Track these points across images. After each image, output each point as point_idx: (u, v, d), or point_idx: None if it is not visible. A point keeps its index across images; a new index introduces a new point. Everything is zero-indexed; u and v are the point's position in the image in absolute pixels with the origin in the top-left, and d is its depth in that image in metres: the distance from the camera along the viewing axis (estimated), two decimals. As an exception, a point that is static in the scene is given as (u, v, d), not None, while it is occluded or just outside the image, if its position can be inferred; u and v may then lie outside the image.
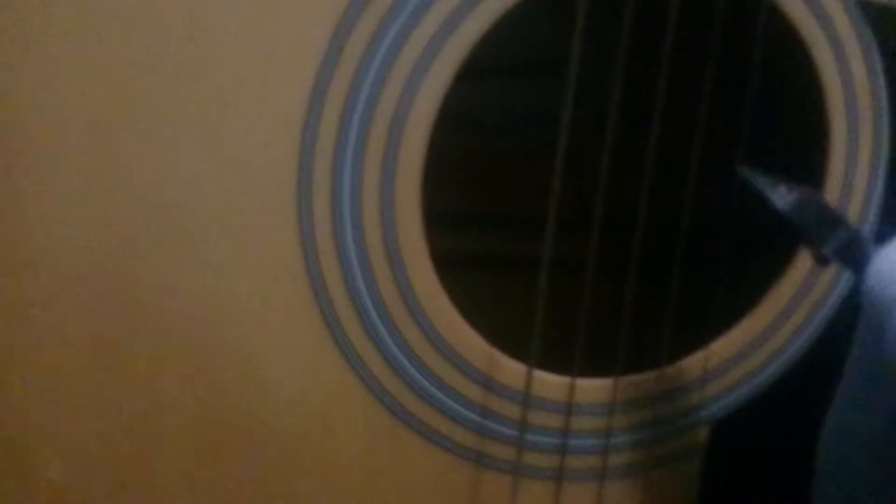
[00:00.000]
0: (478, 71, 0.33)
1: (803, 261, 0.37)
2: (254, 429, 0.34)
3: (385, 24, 0.31)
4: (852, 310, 0.31)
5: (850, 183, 0.36)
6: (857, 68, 0.35)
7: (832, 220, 0.32)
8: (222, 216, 0.32)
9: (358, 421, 0.34)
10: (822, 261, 0.32)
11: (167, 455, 0.34)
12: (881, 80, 0.36)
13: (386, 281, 0.33)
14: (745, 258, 0.38)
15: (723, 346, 0.37)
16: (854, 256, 0.31)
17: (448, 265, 0.34)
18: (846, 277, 0.38)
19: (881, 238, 0.32)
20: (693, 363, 0.37)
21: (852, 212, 0.36)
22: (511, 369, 0.35)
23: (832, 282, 0.38)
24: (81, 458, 0.33)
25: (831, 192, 0.36)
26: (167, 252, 0.32)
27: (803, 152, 0.37)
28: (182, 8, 0.30)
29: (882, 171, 0.36)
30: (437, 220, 0.34)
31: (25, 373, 0.32)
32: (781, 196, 0.32)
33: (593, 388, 0.36)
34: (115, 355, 0.32)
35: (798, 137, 0.38)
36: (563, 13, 0.35)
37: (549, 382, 0.36)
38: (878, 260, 0.30)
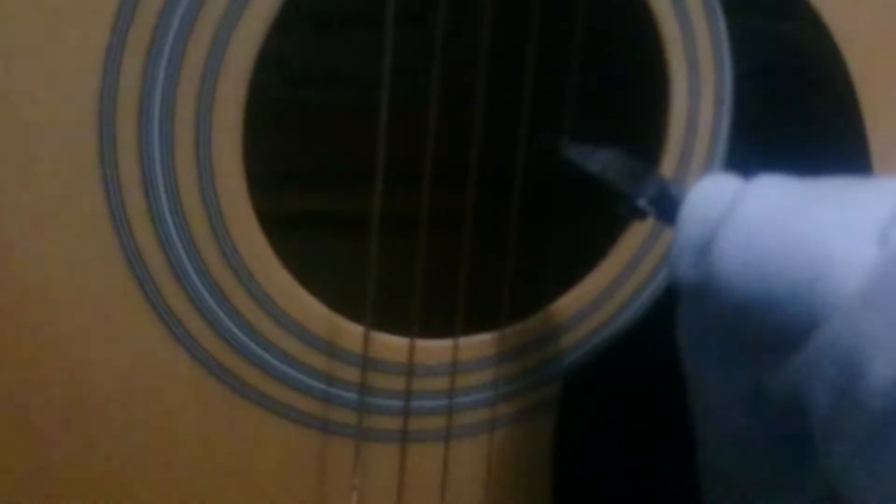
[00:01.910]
0: (296, 21, 0.31)
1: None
2: (78, 413, 0.32)
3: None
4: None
5: (693, 121, 0.36)
6: (698, 22, 0.35)
7: (642, 173, 0.32)
8: (19, 188, 0.30)
9: (192, 397, 0.33)
10: (639, 214, 0.32)
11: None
12: (723, 36, 0.36)
13: (210, 250, 0.32)
14: (586, 212, 0.38)
15: (570, 301, 0.37)
16: (666, 206, 0.31)
17: (276, 227, 0.33)
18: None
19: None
20: (537, 321, 0.37)
21: (698, 154, 0.37)
22: (352, 333, 0.35)
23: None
24: None
25: (675, 136, 0.36)
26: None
27: (643, 95, 0.37)
28: None
29: (727, 111, 0.36)
30: (262, 181, 0.33)
31: None
32: (593, 160, 0.33)
33: (434, 349, 0.36)
34: None
35: (637, 80, 0.37)
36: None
37: (389, 344, 0.35)
38: (691, 195, 0.30)
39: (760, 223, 0.28)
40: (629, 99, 0.39)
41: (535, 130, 0.35)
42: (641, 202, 0.32)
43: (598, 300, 0.37)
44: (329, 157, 0.48)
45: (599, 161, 0.33)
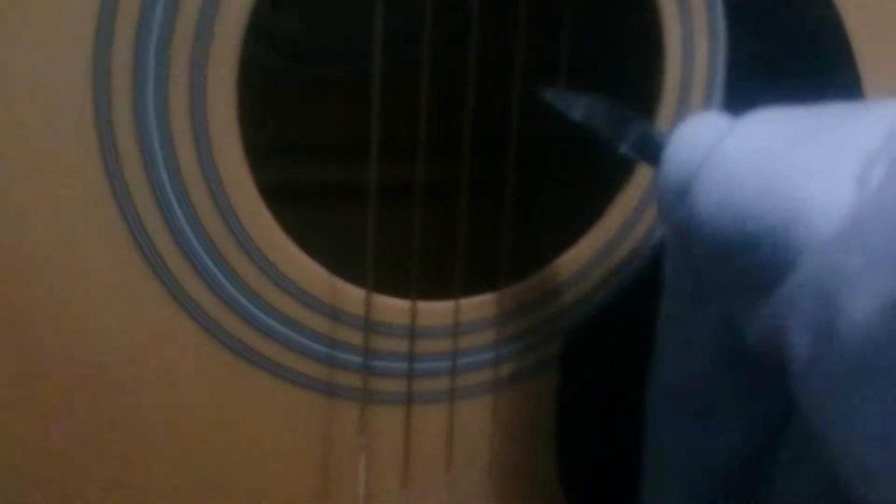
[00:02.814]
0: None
1: (646, 169, 0.37)
2: (85, 382, 0.33)
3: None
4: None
5: (689, 59, 0.36)
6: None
7: (624, 119, 0.32)
8: (17, 159, 0.30)
9: (199, 365, 0.34)
10: (621, 154, 0.32)
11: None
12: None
13: (211, 218, 0.32)
14: (583, 171, 0.38)
15: (568, 260, 0.37)
16: (649, 149, 0.31)
17: (275, 198, 0.33)
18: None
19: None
20: (537, 280, 0.37)
21: (696, 93, 0.36)
22: (354, 296, 0.35)
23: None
24: None
25: (671, 78, 0.36)
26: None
27: (637, 40, 0.37)
28: None
29: (722, 45, 0.36)
30: (263, 150, 0.33)
31: None
32: (575, 107, 0.33)
33: (436, 310, 0.36)
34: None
35: (633, 29, 0.37)
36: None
37: (391, 307, 0.35)
38: (674, 138, 0.30)
39: (740, 164, 0.28)
40: (623, 47, 0.39)
41: (528, 92, 0.35)
42: (624, 147, 0.32)
43: (597, 258, 0.38)
44: (324, 128, 0.48)
45: (582, 107, 0.33)
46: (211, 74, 0.30)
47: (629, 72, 0.37)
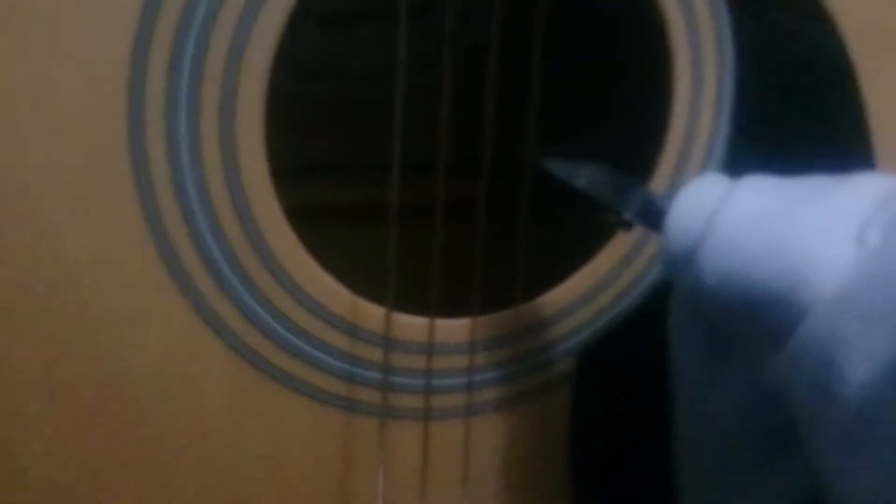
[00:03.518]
0: (306, 18, 0.33)
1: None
2: (113, 396, 0.34)
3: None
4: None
5: (695, 118, 0.37)
6: (703, 14, 0.36)
7: (626, 186, 0.34)
8: (54, 177, 0.31)
9: (222, 379, 0.35)
10: (626, 226, 0.34)
11: (30, 432, 0.34)
12: (724, 20, 0.37)
13: (236, 236, 0.33)
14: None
15: (581, 278, 0.38)
16: (653, 216, 0.33)
17: (302, 216, 0.34)
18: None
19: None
20: (548, 300, 0.38)
21: (697, 153, 0.38)
22: (374, 314, 0.36)
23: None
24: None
25: (675, 135, 0.37)
26: (16, 241, 0.31)
27: (644, 93, 0.38)
28: None
29: (726, 108, 0.37)
30: (286, 171, 0.34)
31: None
32: (578, 175, 0.34)
33: (453, 328, 0.37)
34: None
35: (639, 78, 0.38)
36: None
37: (410, 324, 0.36)
38: (676, 205, 0.31)
39: (742, 232, 0.29)
40: (630, 96, 0.40)
41: (541, 119, 0.36)
42: (628, 215, 0.33)
43: (610, 277, 0.38)
44: (343, 150, 0.49)
45: (585, 176, 0.34)
46: (240, 105, 0.32)
47: (635, 123, 0.39)
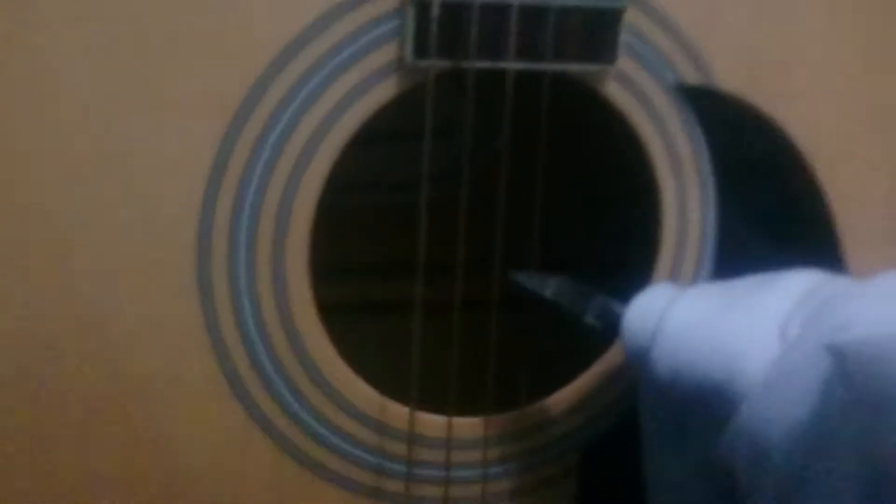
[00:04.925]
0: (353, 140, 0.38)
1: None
2: (174, 488, 0.38)
3: (272, 120, 0.36)
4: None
5: (682, 240, 0.43)
6: (681, 140, 0.42)
7: (587, 294, 0.39)
8: (133, 307, 0.37)
9: (266, 471, 0.39)
10: (588, 329, 0.39)
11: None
12: (703, 148, 0.42)
13: (283, 347, 0.38)
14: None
15: (578, 386, 0.42)
16: (609, 320, 0.38)
17: (333, 314, 0.39)
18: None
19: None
20: (553, 402, 0.42)
21: (686, 270, 0.42)
22: (399, 413, 0.41)
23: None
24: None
25: (666, 250, 0.42)
26: (84, 343, 0.36)
27: (635, 209, 0.43)
28: (82, 106, 0.34)
29: (711, 229, 0.43)
30: (321, 271, 0.39)
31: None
32: (545, 286, 0.39)
33: (469, 426, 0.41)
34: (42, 437, 0.37)
35: (635, 205, 0.43)
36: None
37: (430, 422, 0.41)
38: (629, 311, 0.37)
39: (685, 332, 0.35)
40: (622, 214, 0.45)
41: (546, 227, 0.41)
42: (589, 319, 0.38)
43: (609, 380, 0.43)
44: (367, 252, 0.54)
45: (551, 286, 0.39)
46: (291, 230, 0.37)
47: (631, 227, 0.44)
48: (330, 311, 0.39)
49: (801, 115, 0.41)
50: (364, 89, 0.37)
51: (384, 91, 0.37)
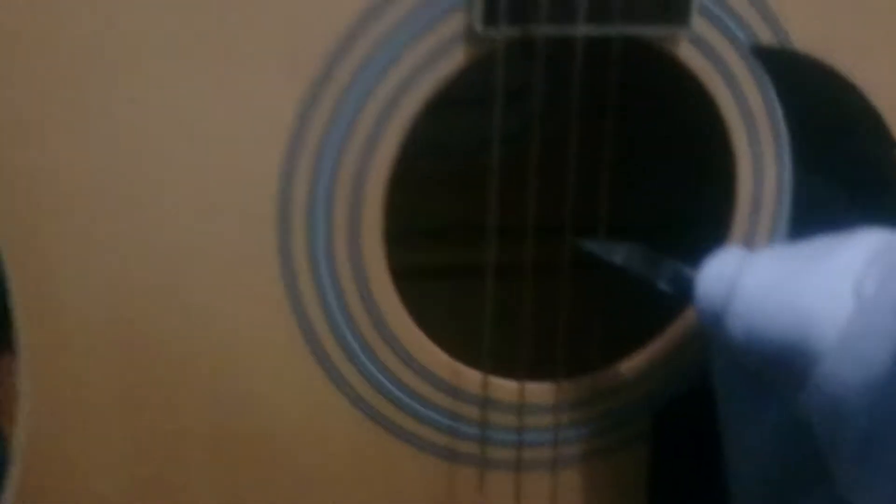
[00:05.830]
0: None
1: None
2: (260, 447, 0.40)
3: (350, 86, 0.37)
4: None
5: (758, 201, 0.42)
6: (755, 102, 0.41)
7: (658, 261, 0.39)
8: (219, 280, 0.38)
9: (347, 434, 0.41)
10: (660, 293, 0.38)
11: (194, 475, 0.40)
12: (778, 110, 0.41)
13: (359, 312, 0.39)
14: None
15: (651, 350, 0.42)
16: (682, 285, 0.38)
17: (406, 279, 0.40)
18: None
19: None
20: (625, 367, 0.42)
21: (761, 232, 0.42)
22: (472, 378, 0.41)
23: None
24: (124, 475, 0.40)
25: (742, 212, 0.42)
26: (174, 314, 0.38)
27: (715, 175, 0.43)
28: (162, 74, 0.36)
29: (787, 190, 0.42)
30: (394, 235, 0.40)
31: (67, 407, 0.39)
32: (615, 253, 0.39)
33: (540, 390, 0.42)
34: (139, 395, 0.39)
35: (709, 167, 0.43)
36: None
37: (503, 387, 0.42)
38: (702, 276, 0.36)
39: (758, 295, 0.35)
40: (695, 176, 0.44)
41: (617, 191, 0.41)
42: (661, 285, 0.38)
43: (682, 344, 0.43)
44: (438, 216, 0.55)
45: (621, 253, 0.39)
46: (366, 196, 0.38)
47: (704, 190, 0.43)
48: (402, 276, 0.40)
49: (880, 76, 0.40)
50: (436, 58, 0.37)
51: (455, 59, 0.37)
